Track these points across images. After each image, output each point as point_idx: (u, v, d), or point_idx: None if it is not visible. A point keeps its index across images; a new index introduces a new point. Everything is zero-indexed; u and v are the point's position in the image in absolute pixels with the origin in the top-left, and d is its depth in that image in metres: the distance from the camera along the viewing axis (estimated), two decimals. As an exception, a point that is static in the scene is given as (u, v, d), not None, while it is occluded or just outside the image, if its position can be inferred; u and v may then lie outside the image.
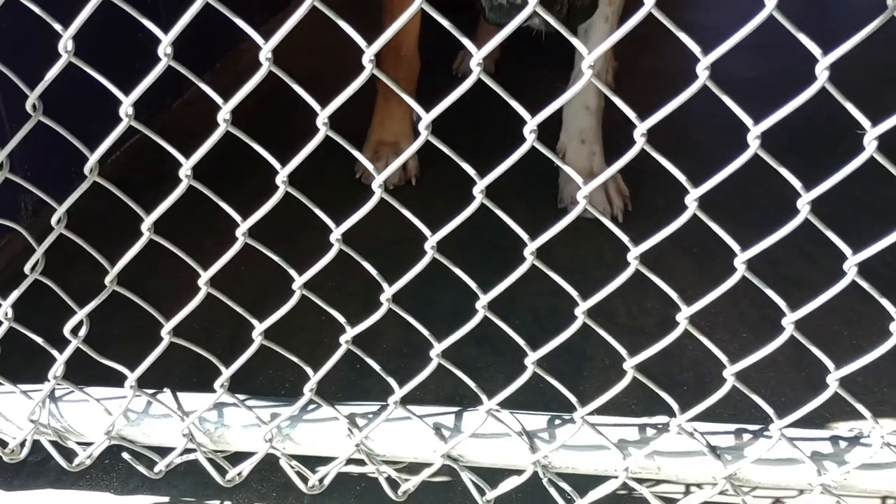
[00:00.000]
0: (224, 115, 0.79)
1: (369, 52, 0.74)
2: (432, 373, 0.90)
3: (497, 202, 0.78)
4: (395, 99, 1.92)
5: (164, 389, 0.97)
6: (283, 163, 0.81)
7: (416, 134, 0.79)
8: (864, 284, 0.80)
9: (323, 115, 0.78)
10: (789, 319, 0.81)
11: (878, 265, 0.76)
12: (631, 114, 0.76)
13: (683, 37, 0.72)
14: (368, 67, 0.75)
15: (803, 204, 0.76)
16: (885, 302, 0.81)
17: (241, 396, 0.95)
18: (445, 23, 0.75)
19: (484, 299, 0.84)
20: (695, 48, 0.71)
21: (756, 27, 0.68)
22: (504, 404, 0.92)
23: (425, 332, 0.88)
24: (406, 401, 0.93)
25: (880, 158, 0.74)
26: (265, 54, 0.75)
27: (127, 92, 0.80)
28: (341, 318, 0.89)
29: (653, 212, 1.80)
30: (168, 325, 0.89)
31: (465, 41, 0.75)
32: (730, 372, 0.84)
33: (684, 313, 0.82)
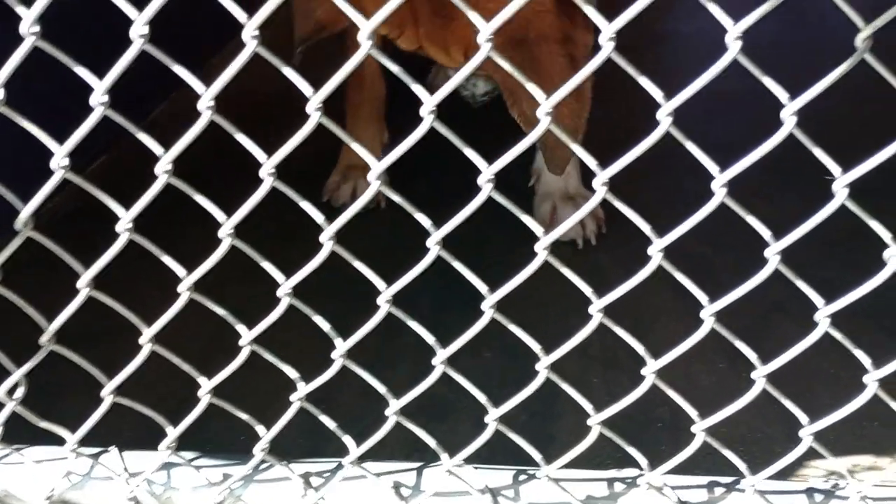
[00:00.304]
0: (164, 166, 0.74)
1: (315, 100, 0.70)
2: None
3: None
4: (362, 120, 1.87)
5: (110, 448, 0.92)
6: (234, 209, 0.76)
7: (386, 154, 0.74)
8: (837, 335, 0.77)
9: (268, 166, 0.74)
10: (760, 373, 0.77)
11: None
12: (592, 162, 0.72)
13: (645, 81, 0.68)
14: (315, 116, 0.71)
15: (772, 254, 0.73)
16: (858, 353, 0.78)
17: (190, 455, 0.91)
18: (395, 68, 0.72)
19: (442, 354, 0.80)
20: (657, 94, 0.68)
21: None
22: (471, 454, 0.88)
23: (382, 390, 0.84)
24: (369, 451, 0.89)
25: (851, 206, 0.71)
26: (205, 103, 0.71)
27: (62, 138, 0.76)
28: (293, 374, 0.85)
29: (631, 238, 1.76)
30: (109, 385, 0.84)
31: (416, 87, 0.71)
32: (699, 428, 0.81)
33: (650, 368, 0.79)
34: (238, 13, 0.68)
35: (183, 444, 0.91)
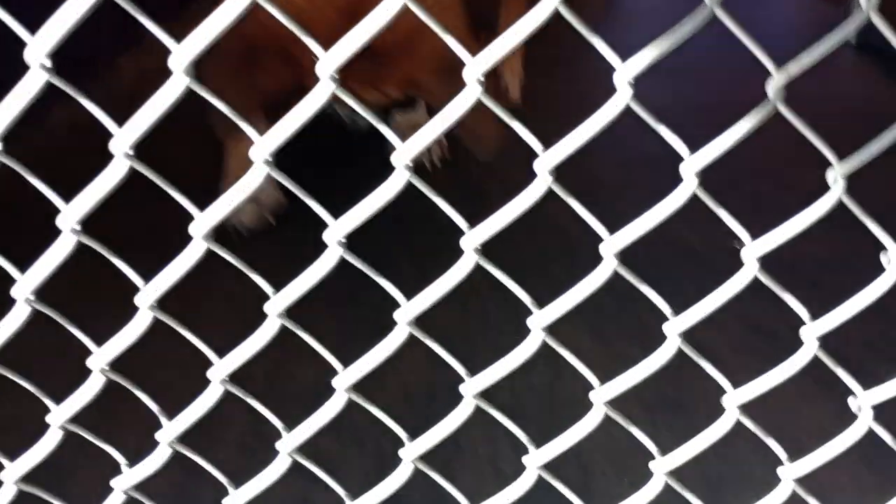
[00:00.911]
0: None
1: (123, 142, 0.57)
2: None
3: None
4: (240, 136, 1.70)
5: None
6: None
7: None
8: (748, 423, 0.67)
9: (70, 219, 0.60)
10: (661, 468, 0.67)
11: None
12: (457, 217, 0.61)
13: (526, 134, 0.57)
14: (120, 159, 0.58)
15: (673, 334, 0.62)
16: (771, 443, 0.67)
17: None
18: (223, 107, 0.59)
19: (287, 439, 0.68)
20: (537, 147, 0.57)
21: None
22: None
23: (224, 481, 0.71)
24: None
25: (765, 280, 0.60)
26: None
27: None
28: (121, 459, 0.71)
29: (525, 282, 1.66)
30: None
31: (244, 126, 0.59)
32: (591, 528, 0.70)
33: (533, 460, 0.67)
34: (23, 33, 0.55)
35: None
